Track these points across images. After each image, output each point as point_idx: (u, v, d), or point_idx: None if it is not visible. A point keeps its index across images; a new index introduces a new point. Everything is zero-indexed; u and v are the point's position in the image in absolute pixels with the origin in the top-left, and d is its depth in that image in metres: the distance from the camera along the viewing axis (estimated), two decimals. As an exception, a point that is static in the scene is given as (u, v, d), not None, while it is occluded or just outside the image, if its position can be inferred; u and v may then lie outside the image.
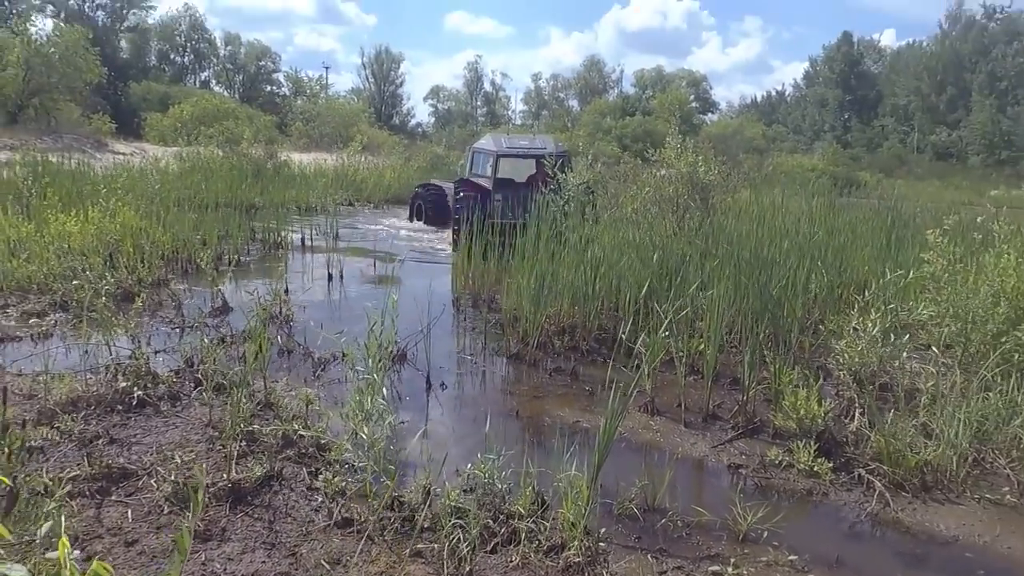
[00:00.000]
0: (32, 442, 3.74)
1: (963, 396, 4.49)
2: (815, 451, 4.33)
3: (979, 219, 7.42)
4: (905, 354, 5.23)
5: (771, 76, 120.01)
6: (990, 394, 4.58)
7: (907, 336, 5.31)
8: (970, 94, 54.06)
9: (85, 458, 3.69)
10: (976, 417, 4.37)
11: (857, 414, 4.79)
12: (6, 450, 3.24)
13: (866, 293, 5.92)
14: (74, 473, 3.53)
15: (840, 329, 5.61)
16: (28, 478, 3.25)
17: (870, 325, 5.30)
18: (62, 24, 33.41)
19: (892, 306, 5.61)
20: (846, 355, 5.24)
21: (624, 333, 5.65)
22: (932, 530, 3.77)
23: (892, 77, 62.83)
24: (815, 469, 4.24)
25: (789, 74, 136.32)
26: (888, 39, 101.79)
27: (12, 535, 2.32)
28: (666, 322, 4.82)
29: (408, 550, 3.20)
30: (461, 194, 11.89)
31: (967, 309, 5.46)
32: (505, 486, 3.56)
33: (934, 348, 5.30)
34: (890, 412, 4.52)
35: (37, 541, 2.39)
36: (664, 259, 6.98)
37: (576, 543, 3.19)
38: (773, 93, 77.85)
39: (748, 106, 75.96)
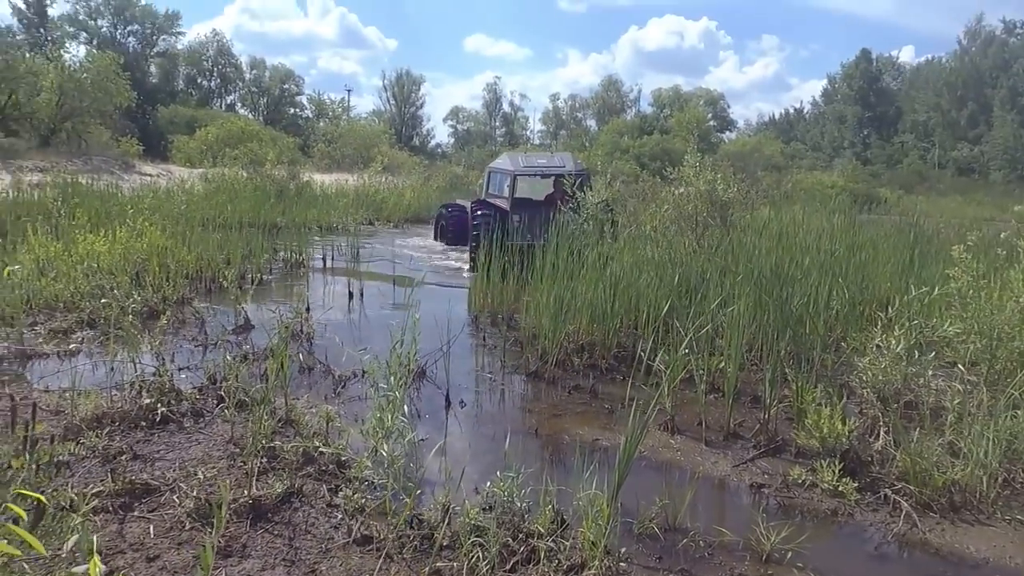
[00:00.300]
0: (59, 457, 3.80)
1: (991, 414, 4.40)
2: (840, 470, 4.26)
3: (1002, 235, 7.31)
4: (930, 371, 5.15)
5: (789, 94, 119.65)
6: (1019, 412, 4.48)
7: (932, 353, 5.23)
8: (991, 109, 53.49)
9: (109, 474, 3.73)
10: (1005, 436, 4.28)
11: (882, 432, 4.72)
12: (35, 465, 3.28)
13: (889, 310, 5.85)
14: (98, 488, 3.58)
15: (863, 346, 5.53)
16: (55, 493, 3.30)
17: (894, 342, 5.23)
18: (94, 50, 34.38)
19: (916, 323, 5.53)
20: (869, 372, 5.17)
21: (644, 351, 5.62)
22: (961, 552, 3.68)
23: (911, 93, 62.42)
24: (840, 489, 4.16)
25: (807, 92, 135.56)
26: (907, 55, 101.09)
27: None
28: (687, 340, 4.79)
29: (427, 568, 3.20)
30: (479, 214, 11.75)
31: (992, 326, 5.36)
32: (524, 504, 3.54)
33: (960, 365, 5.20)
34: (916, 431, 4.44)
35: (63, 555, 2.42)
36: (684, 276, 6.95)
37: (596, 563, 3.16)
38: (791, 111, 77.72)
39: (766, 124, 75.77)
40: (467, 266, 12.16)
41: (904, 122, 61.61)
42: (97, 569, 1.36)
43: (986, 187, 42.18)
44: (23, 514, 1.51)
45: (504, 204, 12.04)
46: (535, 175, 12.91)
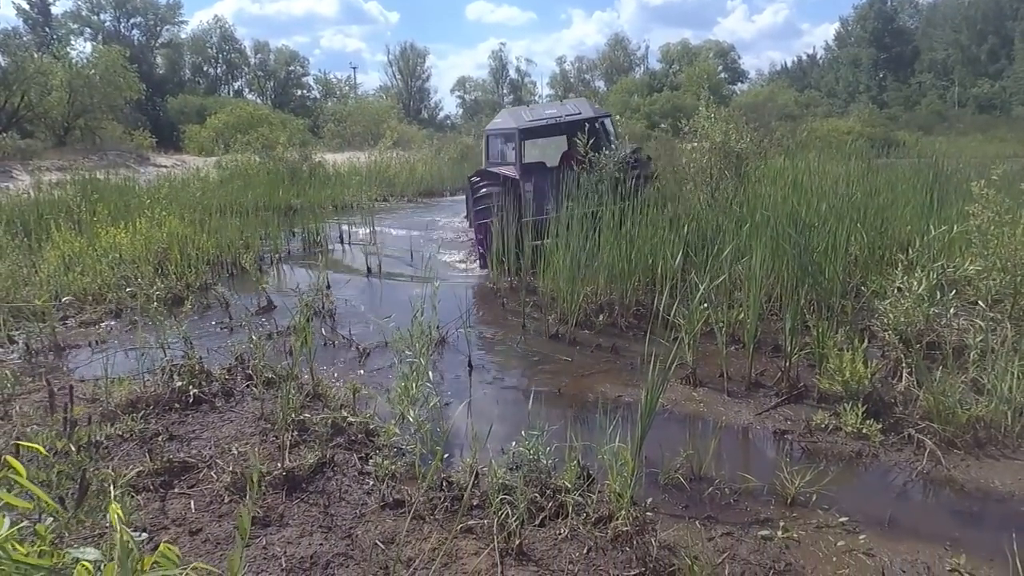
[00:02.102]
0: (96, 438, 3.94)
1: (1015, 350, 4.37)
2: (863, 413, 4.28)
3: (1026, 169, 7.16)
4: (952, 311, 5.11)
5: (800, 40, 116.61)
6: (1043, 345, 4.45)
7: (953, 292, 5.19)
8: (1012, 42, 51.82)
9: (147, 454, 3.87)
10: (1030, 370, 4.26)
11: (904, 374, 4.71)
12: (74, 446, 3.41)
13: (909, 252, 5.79)
14: (138, 469, 3.71)
15: (883, 290, 5.50)
16: (96, 472, 3.43)
17: (915, 284, 5.19)
18: (100, 45, 34.45)
19: (938, 263, 5.47)
20: (891, 315, 5.15)
21: (661, 306, 5.64)
22: (987, 487, 3.70)
23: (929, 31, 60.61)
24: (863, 431, 4.19)
25: (819, 37, 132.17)
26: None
27: (87, 524, 2.48)
28: (700, 291, 4.79)
29: (458, 527, 3.29)
30: (482, 190, 9.10)
31: (1016, 261, 5.30)
32: (550, 461, 3.61)
33: (981, 303, 5.16)
34: (938, 370, 4.43)
35: (109, 528, 2.52)
36: (700, 229, 6.92)
37: (623, 513, 3.23)
38: (804, 57, 75.87)
39: (778, 73, 74.06)
40: (475, 262, 9.81)
41: (921, 61, 59.96)
42: (118, 515, 1.42)
43: (1008, 123, 41.04)
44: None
45: (511, 172, 9.49)
46: (546, 129, 10.20)
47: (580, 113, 10.12)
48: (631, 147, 9.49)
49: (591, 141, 8.46)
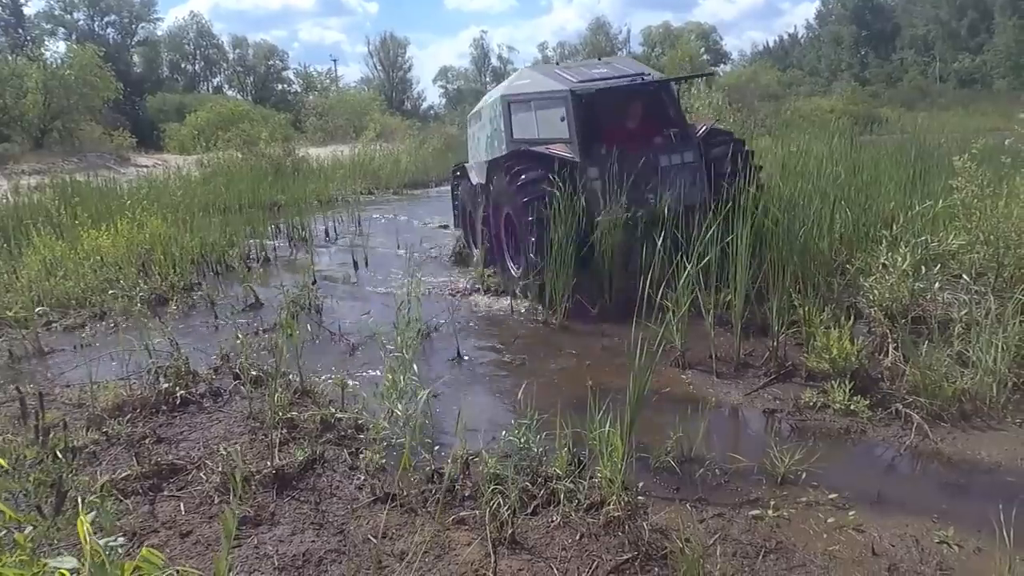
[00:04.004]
0: (76, 443, 3.90)
1: (999, 322, 4.41)
2: (850, 390, 4.31)
3: (1007, 142, 7.20)
4: (937, 285, 5.14)
5: (781, 20, 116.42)
6: (1027, 317, 4.48)
7: (938, 267, 5.22)
8: (992, 16, 51.93)
9: (135, 458, 3.83)
10: (1014, 341, 4.30)
11: (891, 349, 4.74)
12: (50, 454, 3.37)
13: (893, 228, 5.81)
14: (126, 473, 3.68)
15: (868, 266, 5.52)
16: (76, 479, 3.39)
17: (899, 259, 5.21)
18: (75, 45, 33.91)
19: (922, 239, 5.50)
20: (876, 291, 5.17)
21: (648, 291, 5.63)
22: (973, 458, 3.74)
23: (909, 7, 60.66)
24: (851, 407, 4.22)
25: (800, 16, 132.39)
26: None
27: (62, 531, 2.45)
28: (685, 274, 4.79)
29: (451, 519, 3.29)
30: (523, 178, 6.72)
31: (998, 234, 5.33)
32: (541, 449, 3.61)
33: (965, 276, 5.19)
34: (924, 344, 4.46)
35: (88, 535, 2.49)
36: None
37: (615, 498, 3.23)
38: (785, 37, 75.65)
39: (761, 53, 73.90)
40: (506, 299, 7.19)
41: (902, 38, 60.06)
42: (86, 528, 1.40)
43: (990, 97, 41.22)
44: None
45: (566, 152, 6.85)
46: (614, 94, 7.19)
47: (647, 73, 7.61)
48: (709, 123, 7.53)
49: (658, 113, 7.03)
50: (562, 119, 7.02)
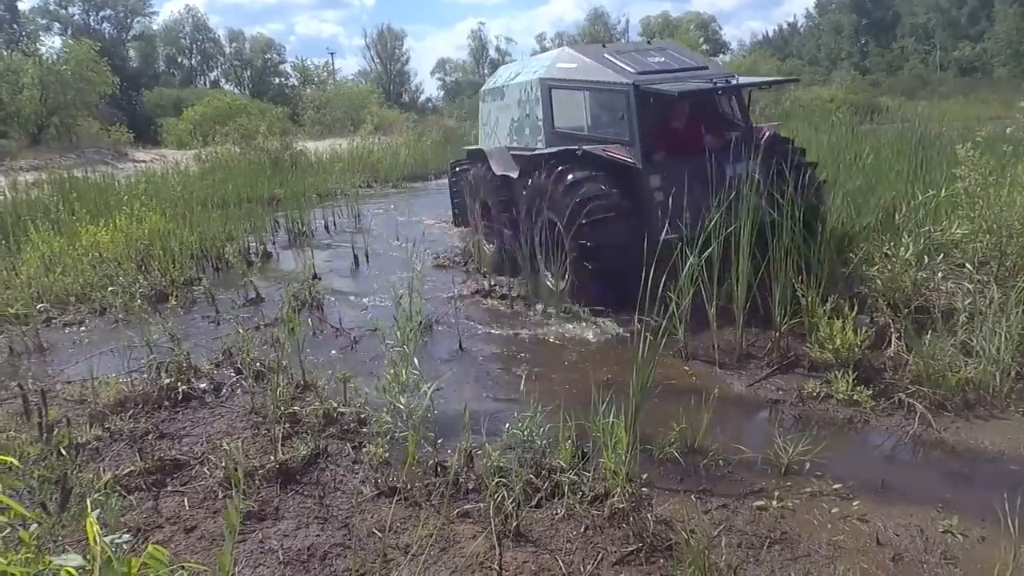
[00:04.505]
0: (80, 440, 3.90)
1: (1002, 311, 4.40)
2: (853, 380, 4.30)
3: (1008, 130, 7.17)
4: (940, 274, 5.13)
5: (781, 9, 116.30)
6: (1030, 305, 4.47)
7: (941, 256, 5.21)
8: (992, 3, 51.71)
9: (138, 453, 3.83)
10: (1017, 330, 4.29)
11: (894, 339, 4.73)
12: (55, 451, 3.37)
13: (896, 217, 5.80)
14: (129, 468, 3.68)
15: (870, 256, 5.51)
16: (80, 475, 3.39)
17: (902, 249, 5.20)
18: (70, 40, 33.78)
19: (925, 228, 5.48)
20: (879, 281, 5.16)
21: (651, 282, 5.62)
22: (977, 447, 3.74)
23: (909, -5, 60.43)
24: (854, 397, 4.21)
25: (800, 5, 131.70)
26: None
27: (70, 528, 2.44)
28: (687, 266, 4.77)
29: (455, 512, 3.29)
30: (579, 188, 5.94)
31: (1001, 222, 5.32)
32: (544, 442, 3.60)
33: (968, 265, 5.18)
34: (927, 334, 4.45)
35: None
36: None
37: (619, 490, 3.23)
38: (785, 26, 75.40)
39: (760, 43, 73.66)
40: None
41: (903, 26, 59.84)
42: (95, 529, 1.39)
43: (990, 85, 41.13)
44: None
45: (624, 155, 6.07)
46: (679, 86, 6.13)
47: (703, 66, 6.93)
48: (771, 128, 6.76)
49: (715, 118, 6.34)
50: (621, 116, 6.24)
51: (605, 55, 6.86)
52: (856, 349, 4.51)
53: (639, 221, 5.75)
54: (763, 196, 5.44)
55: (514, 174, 7.33)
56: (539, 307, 6.57)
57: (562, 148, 6.54)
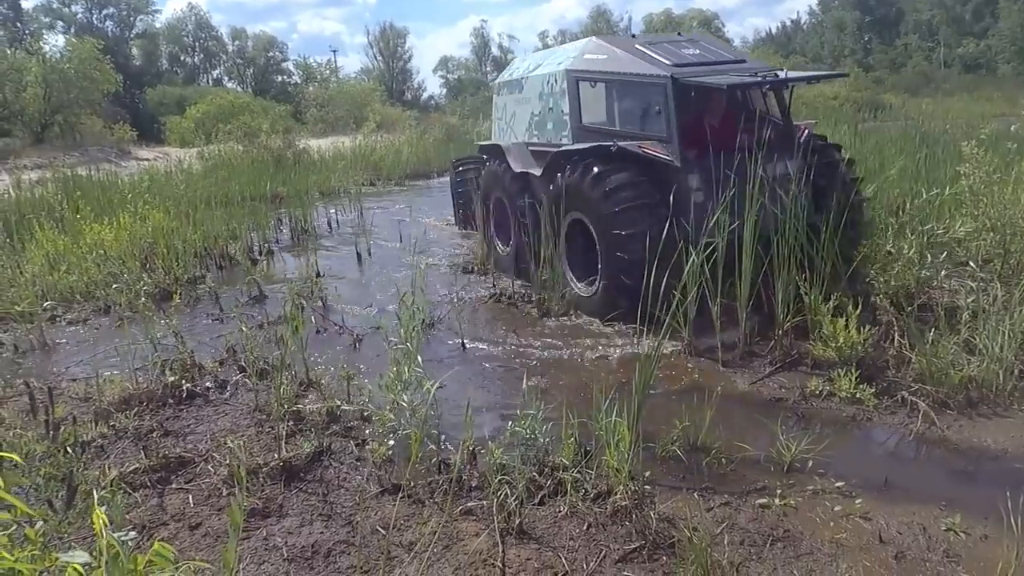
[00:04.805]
0: (85, 437, 3.91)
1: (1005, 309, 4.39)
2: (856, 378, 4.30)
3: (1012, 128, 7.16)
4: (943, 272, 5.13)
5: (784, 6, 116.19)
6: (1034, 303, 4.47)
7: (944, 254, 5.21)
8: (997, 0, 51.52)
9: (143, 451, 3.84)
10: (1021, 328, 4.29)
11: (896, 337, 4.73)
12: (62, 448, 3.39)
13: (900, 214, 5.79)
14: (134, 466, 3.69)
15: (874, 254, 5.50)
16: (85, 473, 3.41)
17: (906, 247, 5.20)
18: (73, 38, 33.82)
19: (928, 226, 5.48)
20: (882, 279, 5.16)
21: (652, 280, 5.62)
22: (980, 445, 3.74)
23: (913, -9, 60.23)
24: (857, 395, 4.22)
25: (803, 2, 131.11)
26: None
27: (76, 525, 2.45)
28: (689, 264, 4.77)
29: (459, 509, 3.30)
30: (619, 192, 5.59)
31: (1005, 220, 5.31)
32: (547, 440, 3.61)
33: (971, 263, 5.17)
34: (930, 332, 4.45)
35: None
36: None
37: (622, 488, 3.24)
38: (788, 23, 75.29)
39: (763, 40, 73.48)
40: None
41: (906, 23, 59.64)
42: (102, 523, 1.40)
43: (994, 82, 40.99)
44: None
45: (661, 152, 5.67)
46: (725, 78, 5.71)
47: (741, 59, 6.56)
48: (809, 125, 6.42)
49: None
50: (657, 111, 5.84)
51: (637, 46, 6.42)
52: (859, 347, 4.50)
53: (677, 222, 5.16)
54: (805, 197, 5.26)
55: (536, 171, 6.96)
56: (561, 315, 6.30)
57: (594, 144, 6.09)
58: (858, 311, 4.75)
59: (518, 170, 7.31)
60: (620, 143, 5.81)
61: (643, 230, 5.19)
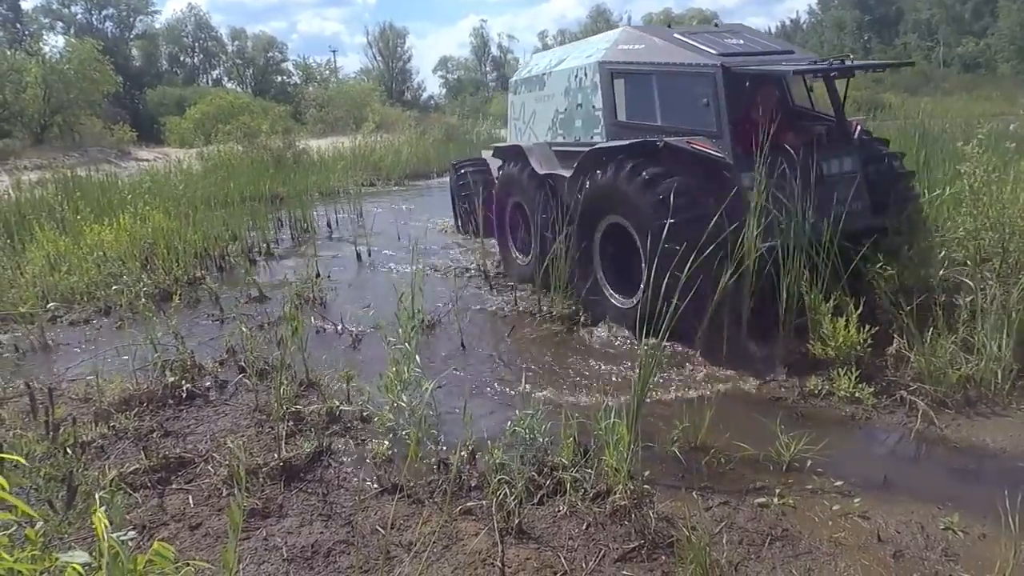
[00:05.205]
0: (85, 438, 3.92)
1: (1003, 308, 4.40)
2: (855, 377, 4.31)
3: (1012, 127, 7.16)
4: (942, 271, 5.13)
5: (783, 5, 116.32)
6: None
7: (943, 253, 5.21)
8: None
9: (143, 451, 3.85)
10: (1019, 328, 4.29)
11: (895, 336, 4.73)
12: (62, 449, 3.39)
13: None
14: (134, 466, 3.70)
15: (874, 254, 5.49)
16: (86, 473, 3.42)
17: (906, 247, 5.20)
18: (73, 39, 33.85)
19: (928, 226, 5.47)
20: (882, 280, 5.15)
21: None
22: (978, 444, 3.74)
23: (913, -9, 60.28)
24: (856, 395, 4.22)
25: (802, 1, 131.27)
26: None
27: (76, 526, 2.46)
28: (690, 264, 4.77)
29: (458, 509, 3.31)
30: (675, 197, 4.94)
31: (1004, 219, 5.31)
32: (546, 439, 3.62)
33: (970, 263, 5.18)
34: (929, 331, 4.45)
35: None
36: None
37: (621, 487, 3.25)
38: (787, 22, 75.36)
39: (764, 39, 73.46)
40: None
41: (906, 22, 59.67)
42: (103, 523, 1.41)
43: (994, 81, 41.01)
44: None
45: (710, 148, 5.17)
46: (785, 67, 5.51)
47: (788, 49, 6.07)
48: (859, 121, 6.05)
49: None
50: (705, 103, 5.31)
51: (676, 36, 5.97)
52: (859, 347, 4.50)
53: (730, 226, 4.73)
54: (857, 197, 5.00)
55: (564, 172, 6.43)
56: (599, 331, 5.81)
57: (638, 140, 5.59)
58: (859, 312, 4.70)
59: (542, 172, 6.81)
60: (667, 139, 5.32)
61: (699, 242, 4.52)
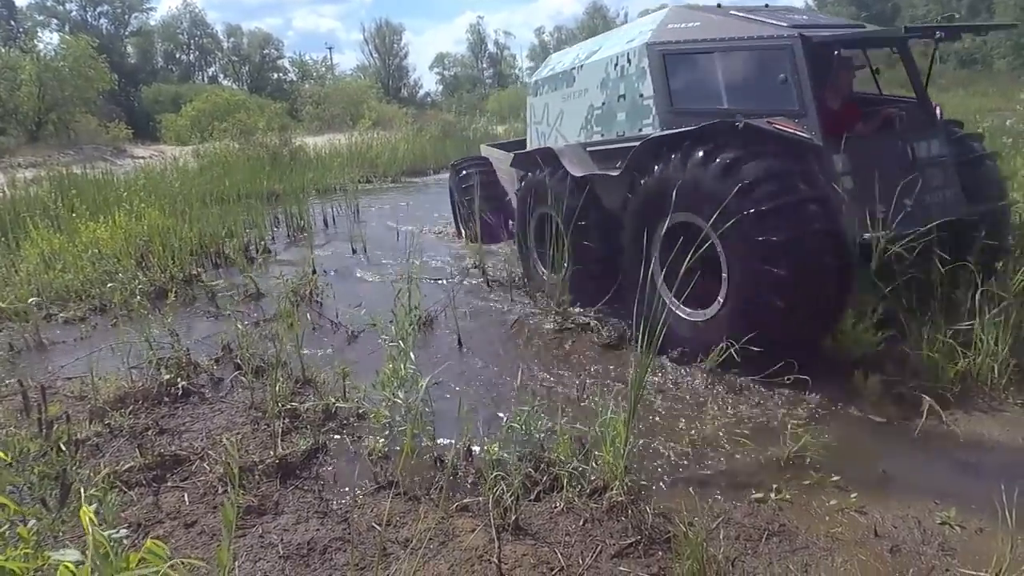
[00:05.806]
0: (79, 436, 3.90)
1: (1000, 303, 4.40)
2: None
3: (1008, 122, 7.17)
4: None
5: (781, 1, 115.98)
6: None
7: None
8: (993, -6, 51.67)
9: (138, 449, 3.84)
10: (1014, 323, 4.29)
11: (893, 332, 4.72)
12: (54, 447, 3.38)
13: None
14: (129, 464, 3.69)
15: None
16: (80, 471, 3.40)
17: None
18: (68, 36, 33.72)
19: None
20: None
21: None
22: (975, 439, 3.75)
23: (909, -13, 60.35)
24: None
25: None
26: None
27: (67, 524, 2.45)
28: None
29: (454, 505, 3.30)
30: (750, 167, 4.38)
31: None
32: (543, 436, 3.61)
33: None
34: (927, 326, 4.45)
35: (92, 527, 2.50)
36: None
37: (618, 483, 3.24)
38: (786, 19, 75.39)
39: (761, 36, 73.52)
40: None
41: (902, 18, 59.68)
42: (88, 519, 1.39)
43: (990, 77, 41.05)
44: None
45: (799, 130, 4.52)
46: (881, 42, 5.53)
47: (866, 28, 5.72)
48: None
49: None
50: (783, 79, 4.69)
51: (732, 12, 5.44)
52: (872, 347, 4.48)
53: (826, 216, 4.26)
54: (950, 183, 4.66)
55: (612, 172, 5.62)
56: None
57: (713, 122, 4.78)
58: (858, 311, 4.60)
59: (579, 175, 5.95)
60: (747, 120, 4.60)
61: (796, 235, 4.15)
